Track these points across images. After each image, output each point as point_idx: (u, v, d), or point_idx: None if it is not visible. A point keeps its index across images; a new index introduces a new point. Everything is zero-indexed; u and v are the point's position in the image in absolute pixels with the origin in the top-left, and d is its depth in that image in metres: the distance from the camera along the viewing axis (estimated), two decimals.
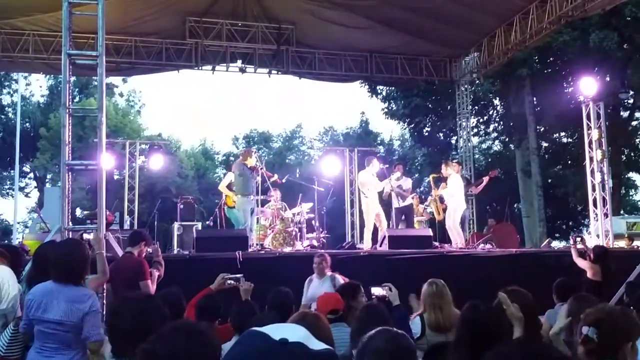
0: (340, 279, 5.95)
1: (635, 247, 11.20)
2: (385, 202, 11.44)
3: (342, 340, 3.50)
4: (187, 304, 4.38)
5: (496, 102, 26.78)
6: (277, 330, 1.09)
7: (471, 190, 11.38)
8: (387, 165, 11.23)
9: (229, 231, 10.39)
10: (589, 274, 7.45)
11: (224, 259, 7.67)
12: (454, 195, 10.62)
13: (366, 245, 10.47)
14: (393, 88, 23.90)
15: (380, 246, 9.74)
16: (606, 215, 11.36)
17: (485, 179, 11.75)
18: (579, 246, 8.11)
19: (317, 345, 1.10)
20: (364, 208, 10.76)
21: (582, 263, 7.69)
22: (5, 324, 4.14)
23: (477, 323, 2.90)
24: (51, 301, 3.57)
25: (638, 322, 2.56)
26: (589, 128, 11.60)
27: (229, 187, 10.57)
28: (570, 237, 8.81)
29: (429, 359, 3.90)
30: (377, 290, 4.57)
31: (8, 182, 32.21)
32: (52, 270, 3.70)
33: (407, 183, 11.85)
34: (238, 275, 5.06)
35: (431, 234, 10.19)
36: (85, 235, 5.37)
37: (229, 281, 4.96)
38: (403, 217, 11.62)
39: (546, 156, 25.04)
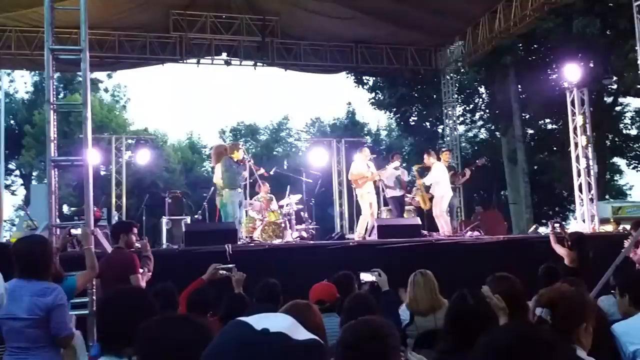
0: None
1: (622, 230, 11.29)
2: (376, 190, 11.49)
3: (333, 331, 3.53)
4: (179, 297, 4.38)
5: (481, 90, 26.95)
6: (261, 320, 1.07)
7: (455, 182, 11.44)
8: (375, 156, 11.26)
9: (218, 224, 10.38)
10: (566, 261, 7.41)
11: (213, 252, 7.67)
12: (439, 183, 10.67)
13: (360, 233, 10.52)
14: (379, 78, 23.91)
15: (370, 236, 9.79)
16: (592, 200, 11.47)
17: (468, 173, 11.78)
18: (558, 231, 8.15)
19: (302, 335, 1.07)
20: (360, 199, 10.82)
21: (559, 250, 7.67)
22: None
23: (465, 312, 2.93)
24: (15, 298, 3.52)
25: (592, 302, 2.56)
26: (574, 114, 11.68)
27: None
28: (549, 223, 8.84)
29: (419, 346, 3.95)
30: (366, 276, 4.61)
31: None
32: (16, 267, 3.67)
33: (404, 174, 11.93)
34: (230, 265, 5.06)
35: (420, 222, 10.25)
36: (73, 231, 5.33)
37: (221, 271, 4.96)
38: (396, 206, 11.68)
39: (532, 143, 25.22)
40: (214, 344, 1.08)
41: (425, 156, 11.18)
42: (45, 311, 3.55)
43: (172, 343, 1.64)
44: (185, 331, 1.65)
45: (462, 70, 20.04)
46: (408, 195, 12.86)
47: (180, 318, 1.73)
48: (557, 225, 8.36)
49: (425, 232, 10.51)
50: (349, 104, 38.07)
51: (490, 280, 3.69)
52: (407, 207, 12.32)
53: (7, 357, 3.57)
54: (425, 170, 11.48)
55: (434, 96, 22.49)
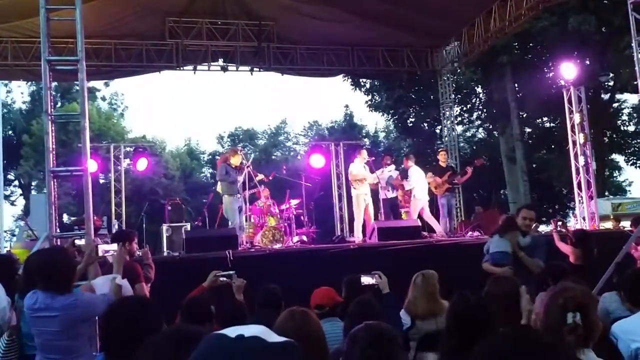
0: None
1: (621, 227, 11.31)
2: (372, 193, 11.53)
3: (335, 335, 3.53)
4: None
5: (478, 90, 26.99)
6: (235, 330, 1.12)
7: (456, 181, 11.46)
8: (373, 158, 11.29)
9: (218, 231, 10.40)
10: (571, 259, 7.40)
11: (214, 258, 7.67)
12: (414, 187, 10.99)
13: (357, 237, 10.55)
14: (376, 80, 23.95)
15: (370, 238, 9.80)
16: (591, 197, 11.49)
17: (469, 170, 11.78)
18: (560, 229, 8.13)
19: (276, 338, 1.12)
20: (354, 201, 10.85)
21: (564, 247, 7.65)
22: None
23: (466, 313, 2.93)
24: (45, 312, 3.53)
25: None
26: (571, 112, 11.72)
27: None
28: (551, 221, 8.81)
29: (421, 348, 3.95)
30: (366, 279, 4.60)
31: None
32: (39, 280, 3.63)
33: (397, 175, 11.98)
34: (230, 272, 5.05)
35: (420, 224, 10.27)
36: (77, 242, 5.30)
37: (221, 278, 4.95)
38: (390, 208, 11.75)
39: (530, 142, 25.26)
40: (193, 356, 1.11)
41: (405, 160, 11.58)
42: (79, 321, 3.55)
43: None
44: (170, 349, 1.65)
45: (459, 70, 20.09)
46: (406, 196, 12.90)
47: (167, 336, 1.73)
48: (559, 223, 8.33)
49: (425, 233, 10.54)
50: (347, 106, 38.04)
51: (490, 281, 3.71)
52: (406, 209, 12.35)
53: None
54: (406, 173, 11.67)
55: (431, 97, 22.57)
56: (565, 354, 1.39)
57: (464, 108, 27.50)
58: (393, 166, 11.61)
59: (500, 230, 6.21)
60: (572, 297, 2.40)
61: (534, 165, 25.08)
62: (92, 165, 8.41)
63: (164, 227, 11.86)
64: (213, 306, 4.11)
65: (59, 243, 5.76)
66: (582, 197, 11.53)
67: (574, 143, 11.67)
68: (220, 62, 14.47)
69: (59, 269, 3.69)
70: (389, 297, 4.44)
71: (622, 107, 25.71)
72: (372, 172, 10.91)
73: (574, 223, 13.11)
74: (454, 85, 18.08)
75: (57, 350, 3.56)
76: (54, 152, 5.90)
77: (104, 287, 4.13)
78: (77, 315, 3.55)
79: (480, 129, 30.56)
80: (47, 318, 3.53)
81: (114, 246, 4.87)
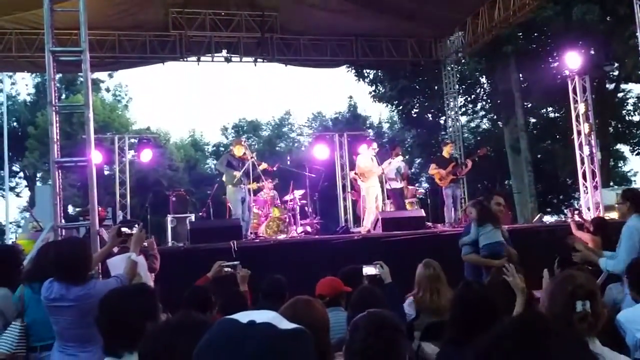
0: None
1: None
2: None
3: (339, 325, 3.54)
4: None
5: (483, 80, 26.86)
6: (246, 316, 1.13)
7: (458, 173, 11.45)
8: (378, 149, 11.28)
9: (222, 221, 10.43)
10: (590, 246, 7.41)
11: (219, 249, 7.70)
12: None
13: (366, 226, 10.56)
14: (379, 71, 23.87)
15: (374, 229, 9.81)
16: (596, 187, 11.46)
17: (469, 163, 11.71)
18: (577, 219, 8.11)
19: (287, 325, 1.13)
20: (364, 192, 10.85)
21: (582, 236, 7.65)
22: (5, 325, 4.11)
23: (471, 302, 2.93)
24: (62, 302, 3.59)
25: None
26: (576, 102, 11.67)
27: None
28: (567, 210, 8.81)
29: (425, 338, 3.96)
30: (368, 269, 4.60)
31: None
32: (56, 270, 3.67)
33: (405, 167, 12.01)
34: (235, 263, 5.07)
35: (424, 214, 10.27)
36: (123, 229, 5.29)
37: (225, 269, 4.97)
38: (399, 197, 11.76)
39: (534, 132, 25.18)
40: (204, 340, 1.13)
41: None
42: (93, 311, 3.59)
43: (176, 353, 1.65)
44: (170, 339, 1.66)
45: (463, 60, 20.02)
46: (410, 186, 12.92)
47: (179, 322, 1.74)
48: (576, 212, 8.31)
49: (429, 223, 10.54)
50: (351, 97, 37.94)
51: (494, 271, 3.71)
52: (410, 199, 12.35)
53: (58, 354, 3.63)
54: None
55: (435, 87, 22.48)
56: (576, 341, 1.37)
57: (468, 98, 27.43)
58: (400, 157, 11.58)
59: (491, 220, 6.14)
60: (581, 285, 2.37)
61: (539, 156, 25.01)
62: (96, 157, 8.43)
63: (169, 218, 11.90)
64: (213, 295, 4.13)
65: (64, 234, 5.79)
66: (587, 187, 11.51)
67: (579, 133, 11.64)
68: (224, 53, 14.46)
69: (75, 260, 3.73)
70: (391, 286, 4.45)
71: (627, 96, 25.62)
72: (379, 164, 10.90)
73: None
74: (458, 75, 17.98)
75: (73, 339, 3.61)
76: (58, 144, 5.92)
77: (120, 266, 4.15)
78: (90, 305, 3.58)
79: (485, 120, 30.46)
80: (62, 308, 3.59)
81: (135, 229, 4.88)
